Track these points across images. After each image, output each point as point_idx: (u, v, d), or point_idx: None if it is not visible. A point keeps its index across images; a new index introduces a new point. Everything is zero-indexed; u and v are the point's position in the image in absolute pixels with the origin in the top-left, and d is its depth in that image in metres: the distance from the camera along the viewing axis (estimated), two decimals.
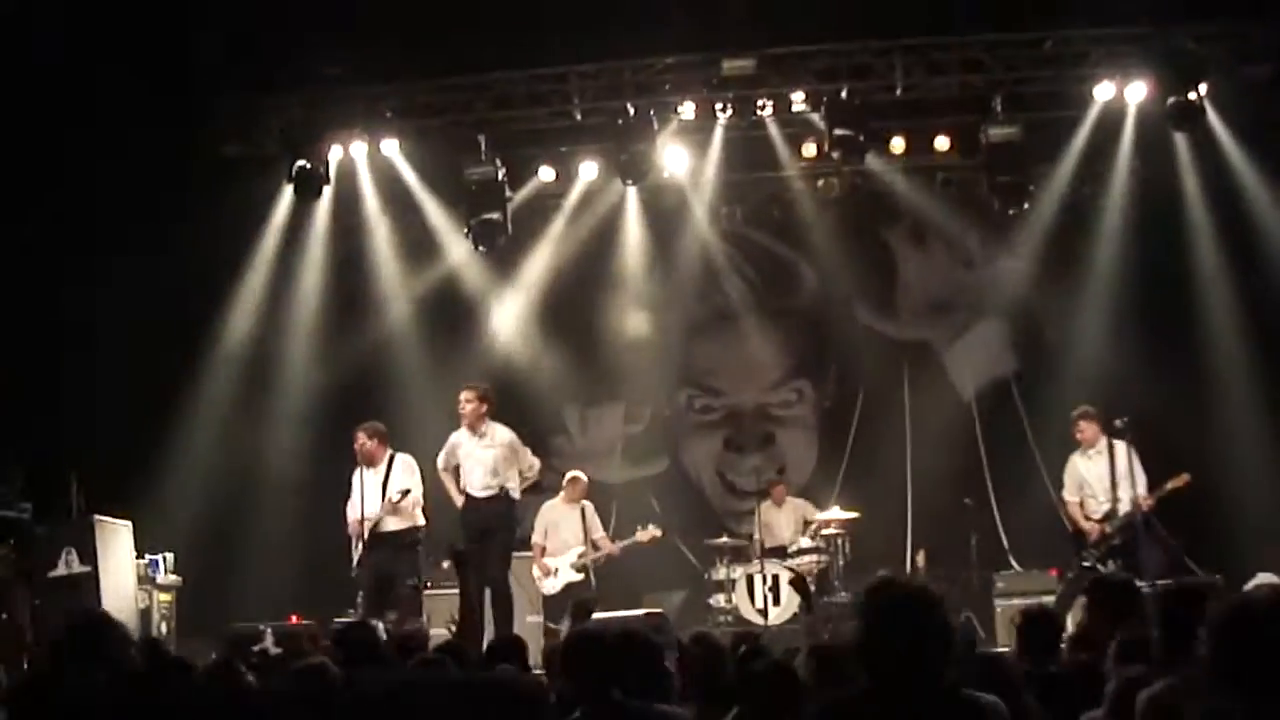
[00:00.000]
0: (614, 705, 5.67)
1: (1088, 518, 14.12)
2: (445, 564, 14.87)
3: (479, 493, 13.95)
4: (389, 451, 13.99)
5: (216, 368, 16.52)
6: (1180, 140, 16.09)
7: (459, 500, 13.98)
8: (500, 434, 14.08)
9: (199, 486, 15.75)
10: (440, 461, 14.02)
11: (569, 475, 15.79)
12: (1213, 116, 15.55)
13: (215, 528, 15.59)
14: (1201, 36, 15.25)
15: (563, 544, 15.40)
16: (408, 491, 13.66)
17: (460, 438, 13.95)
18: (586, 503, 15.67)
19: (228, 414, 16.47)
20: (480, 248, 17.08)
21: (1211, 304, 16.13)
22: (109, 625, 6.16)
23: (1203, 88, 15.13)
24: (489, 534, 13.76)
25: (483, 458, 13.99)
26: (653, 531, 15.52)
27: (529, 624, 14.88)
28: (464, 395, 14.03)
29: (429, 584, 14.89)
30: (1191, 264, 16.25)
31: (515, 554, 14.54)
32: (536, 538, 15.42)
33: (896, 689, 4.13)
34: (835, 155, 16.44)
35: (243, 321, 16.71)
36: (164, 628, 14.25)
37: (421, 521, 14.00)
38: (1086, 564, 13.97)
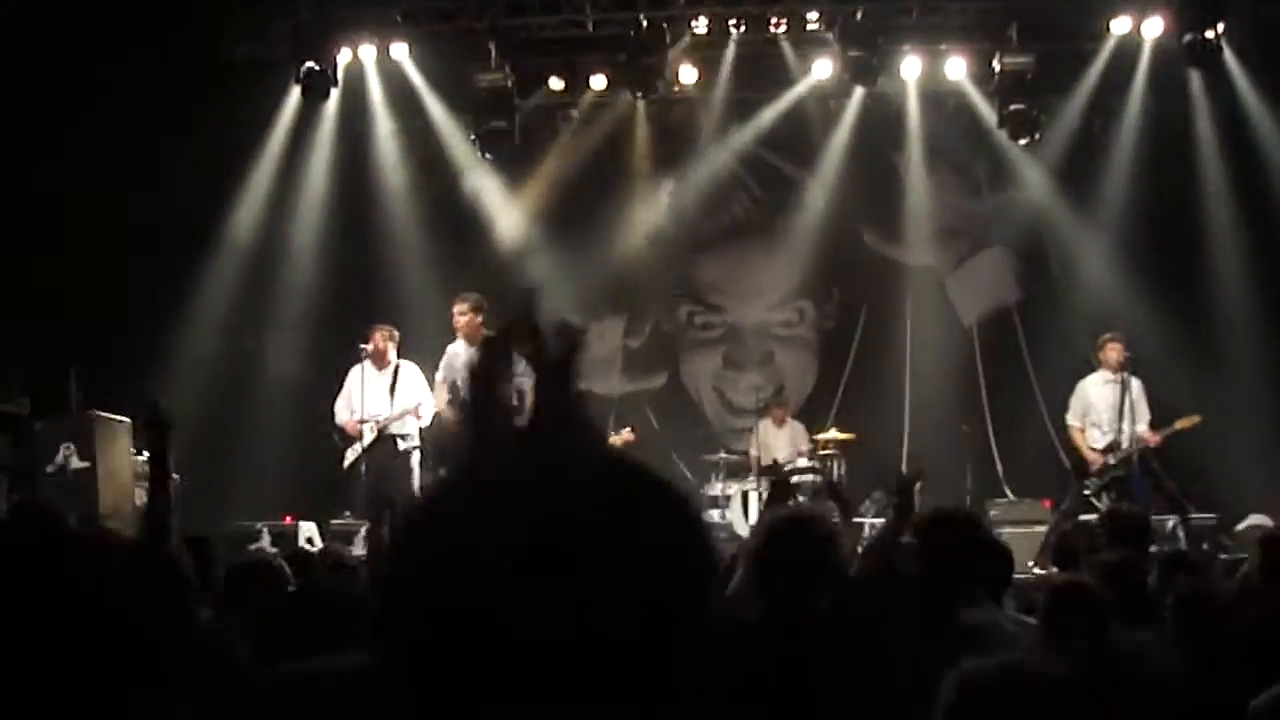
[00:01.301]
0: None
1: (1090, 446, 14.17)
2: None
3: None
4: (397, 358, 14.11)
5: (218, 268, 16.47)
6: (1195, 78, 16.02)
7: (452, 415, 13.79)
8: None
9: (199, 386, 15.74)
10: (439, 374, 13.86)
11: None
12: (1229, 56, 15.50)
13: (214, 427, 15.56)
14: None
15: None
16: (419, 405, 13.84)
17: (459, 348, 13.79)
18: None
19: (228, 314, 16.46)
20: (487, 155, 17.05)
21: (1219, 245, 16.11)
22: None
23: (1220, 26, 15.05)
24: None
25: None
26: (626, 436, 15.53)
27: None
28: (457, 307, 13.66)
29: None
30: (1200, 204, 16.22)
31: None
32: None
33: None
34: (847, 76, 16.43)
35: (246, 224, 16.64)
36: None
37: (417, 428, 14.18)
38: (1086, 492, 14.03)
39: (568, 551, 1.38)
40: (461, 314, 13.65)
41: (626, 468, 1.50)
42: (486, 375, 1.53)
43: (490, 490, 1.45)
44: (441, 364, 13.84)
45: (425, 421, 14.06)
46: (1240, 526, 13.43)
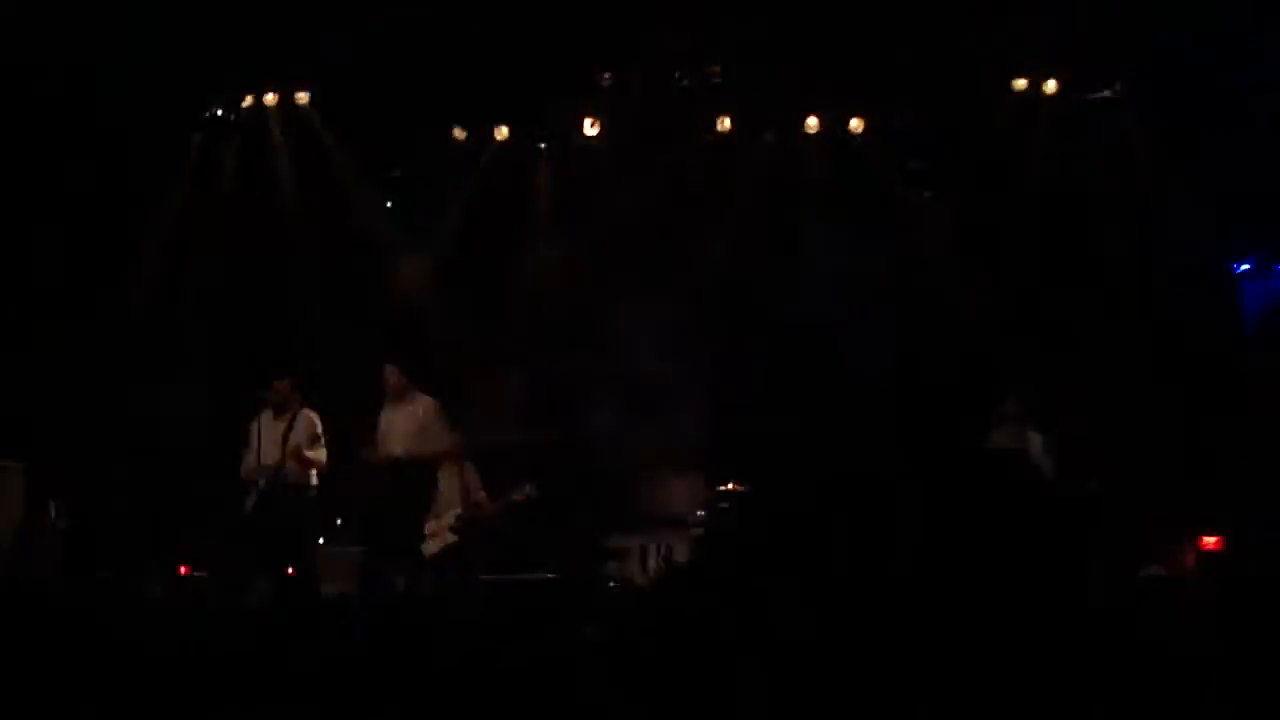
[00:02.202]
0: None
1: None
2: (340, 522, 14.87)
3: None
4: (300, 406, 14.13)
5: (117, 314, 16.30)
6: (1091, 135, 16.31)
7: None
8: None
9: (93, 433, 15.53)
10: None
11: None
12: (1125, 113, 15.82)
13: (106, 474, 15.39)
14: (1118, 33, 15.45)
15: (444, 504, 15.40)
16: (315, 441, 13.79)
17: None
18: (469, 464, 15.69)
19: (126, 362, 16.25)
20: (389, 202, 17.01)
21: (1115, 301, 16.35)
22: None
23: (1116, 85, 15.38)
24: None
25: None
26: (528, 492, 15.52)
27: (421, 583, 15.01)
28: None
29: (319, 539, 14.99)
30: (1096, 259, 16.47)
31: None
32: None
33: None
34: (748, 130, 16.55)
35: (149, 269, 16.48)
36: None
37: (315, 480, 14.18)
38: None
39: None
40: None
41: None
42: None
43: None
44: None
45: (318, 464, 14.12)
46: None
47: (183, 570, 14.42)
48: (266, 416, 14.22)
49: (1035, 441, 14.40)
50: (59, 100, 14.61)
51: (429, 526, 15.34)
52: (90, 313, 15.98)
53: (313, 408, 14.38)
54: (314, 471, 14.21)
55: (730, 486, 15.87)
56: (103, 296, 16.14)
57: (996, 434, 14.62)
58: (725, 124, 16.77)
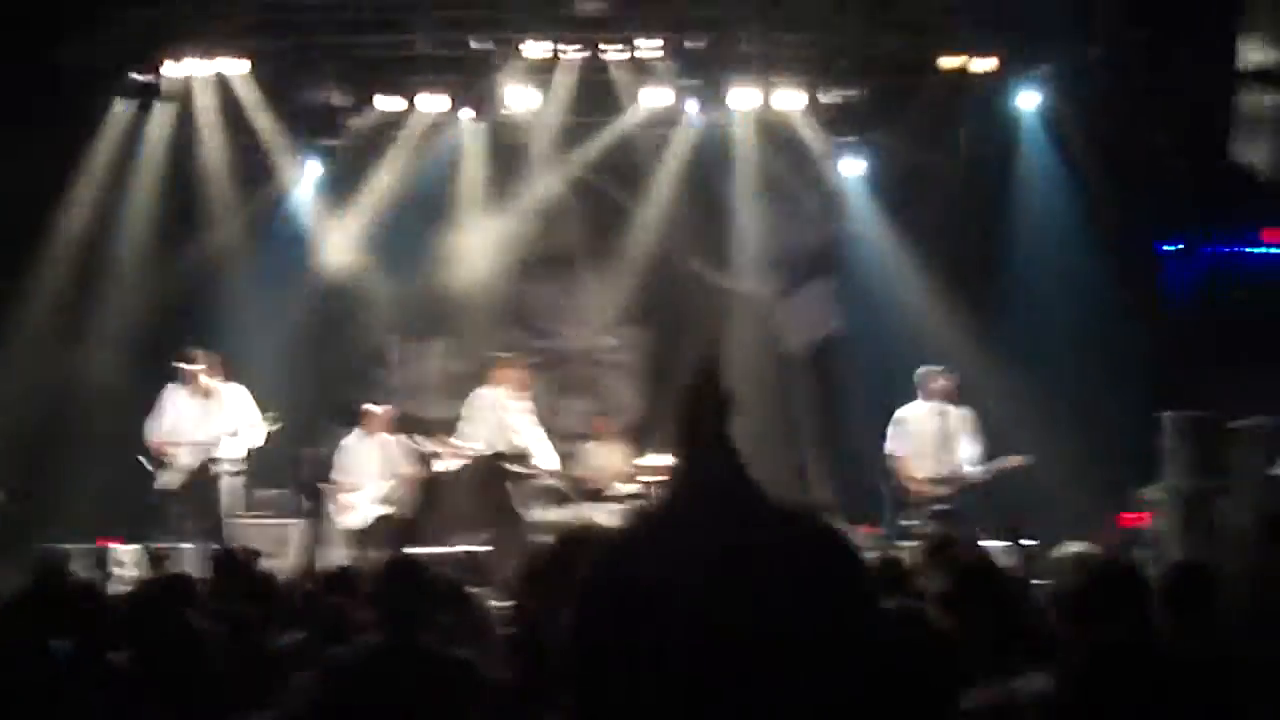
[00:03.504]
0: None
1: (911, 476, 14.42)
2: (270, 493, 14.83)
3: None
4: (223, 381, 14.15)
5: (36, 283, 16.09)
6: (1019, 115, 16.41)
7: None
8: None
9: (14, 405, 15.34)
10: None
11: (362, 407, 15.83)
12: (1053, 94, 15.91)
13: (26, 446, 15.21)
14: (1047, 14, 15.52)
15: (362, 476, 15.36)
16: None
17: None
18: (388, 436, 15.67)
19: (46, 331, 16.05)
20: (316, 174, 16.90)
21: (1040, 280, 16.43)
22: None
23: (1045, 66, 15.47)
24: None
25: None
26: (455, 463, 15.49)
27: (340, 557, 14.96)
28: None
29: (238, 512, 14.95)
30: (1023, 240, 16.56)
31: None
32: (335, 473, 15.41)
33: None
34: (680, 105, 16.54)
35: (71, 234, 16.26)
36: None
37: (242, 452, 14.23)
38: (904, 523, 14.26)
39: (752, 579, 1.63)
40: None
41: (794, 514, 1.78)
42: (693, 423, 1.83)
43: (686, 527, 1.69)
44: None
45: (250, 443, 14.13)
46: (1057, 554, 13.66)
47: (102, 543, 14.23)
48: (181, 390, 14.23)
49: (963, 418, 14.50)
50: None
51: (351, 498, 15.28)
52: (6, 279, 15.77)
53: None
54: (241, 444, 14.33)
55: (653, 462, 15.83)
56: (23, 264, 15.92)
57: (922, 409, 14.70)
58: (658, 97, 16.67)
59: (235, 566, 7.89)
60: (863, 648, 1.67)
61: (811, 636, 1.62)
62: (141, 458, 14.25)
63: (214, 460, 14.23)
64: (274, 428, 14.68)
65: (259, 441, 14.51)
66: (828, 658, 1.62)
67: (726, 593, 1.60)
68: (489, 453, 15.12)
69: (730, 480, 1.82)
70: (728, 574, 1.62)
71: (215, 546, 12.23)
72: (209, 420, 14.21)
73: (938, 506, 14.16)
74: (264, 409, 14.78)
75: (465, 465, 15.14)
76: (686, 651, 1.57)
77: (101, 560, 13.73)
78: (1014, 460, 14.26)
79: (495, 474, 15.10)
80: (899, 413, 14.81)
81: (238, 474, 14.47)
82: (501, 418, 15.34)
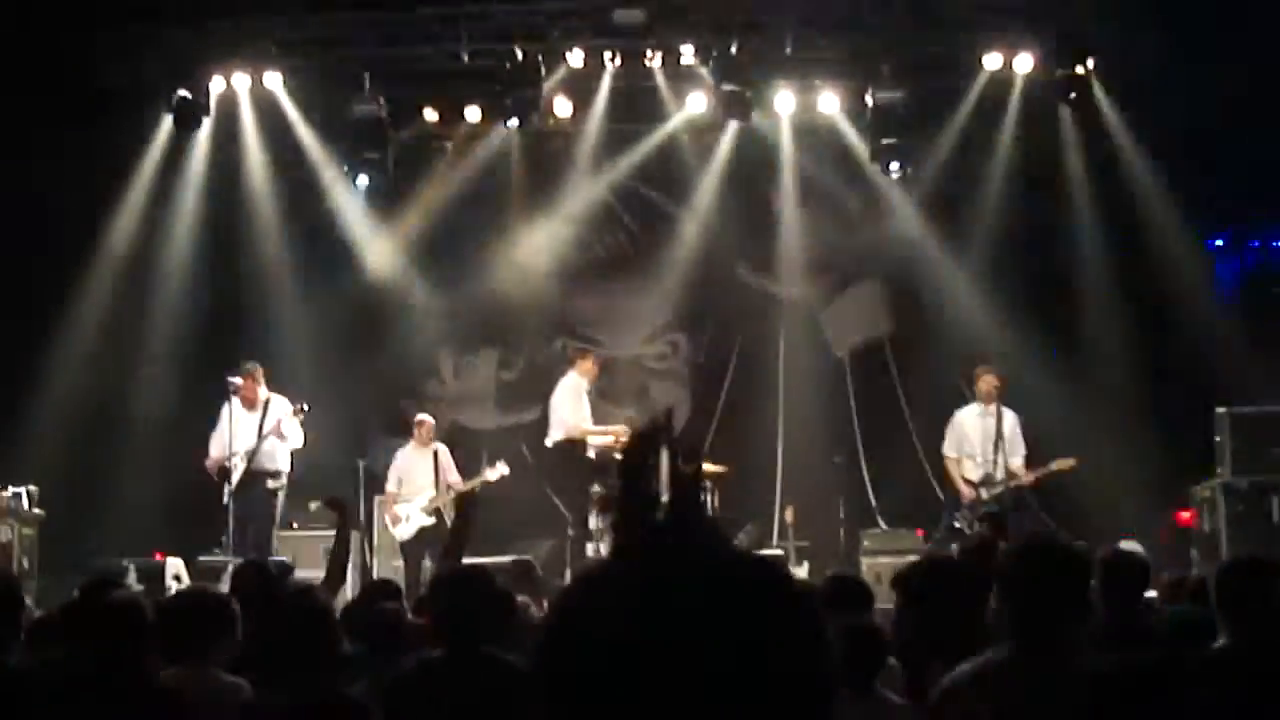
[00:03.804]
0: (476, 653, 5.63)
1: (964, 478, 14.39)
2: (314, 506, 14.86)
3: None
4: (267, 394, 14.29)
5: (87, 298, 16.23)
6: (1065, 113, 16.32)
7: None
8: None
9: (65, 420, 15.48)
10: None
11: (417, 418, 15.90)
12: (1098, 90, 15.83)
13: (80, 462, 15.35)
14: (1090, 10, 15.46)
15: (416, 489, 15.44)
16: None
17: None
18: (439, 445, 15.74)
19: (96, 346, 16.17)
20: (360, 186, 16.98)
21: (1089, 277, 16.37)
22: None
23: (1090, 62, 15.38)
24: None
25: None
26: (500, 470, 15.53)
27: (392, 568, 15.10)
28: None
29: (294, 525, 15.06)
30: (1070, 237, 16.48)
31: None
32: (390, 486, 15.59)
33: None
34: (721, 111, 16.54)
35: (117, 255, 16.41)
36: (24, 562, 14.01)
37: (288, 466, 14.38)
38: (956, 525, 14.23)
39: (702, 647, 1.59)
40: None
41: (756, 569, 1.69)
42: (634, 476, 1.72)
43: (635, 586, 1.65)
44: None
45: (294, 445, 14.33)
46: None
47: (157, 556, 14.31)
48: (238, 406, 14.38)
49: (1007, 419, 14.45)
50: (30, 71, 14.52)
51: (401, 510, 15.35)
52: (59, 296, 15.90)
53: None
54: (289, 451, 14.45)
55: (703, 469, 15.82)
56: (71, 277, 16.05)
57: (974, 411, 14.65)
58: (700, 103, 16.67)
59: (252, 582, 7.84)
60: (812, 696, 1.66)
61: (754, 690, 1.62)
62: (219, 471, 14.37)
63: (263, 473, 14.33)
64: (300, 418, 14.74)
65: (298, 444, 14.62)
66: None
67: (668, 647, 1.60)
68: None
69: (687, 532, 1.71)
70: (669, 628, 1.61)
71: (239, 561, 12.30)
72: (257, 433, 14.36)
73: (986, 508, 14.11)
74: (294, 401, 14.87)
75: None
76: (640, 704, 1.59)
77: (157, 573, 13.80)
78: (1064, 463, 14.19)
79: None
80: (954, 415, 14.78)
81: (280, 488, 14.58)
82: (585, 406, 15.44)
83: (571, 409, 15.52)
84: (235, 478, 14.33)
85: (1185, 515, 14.62)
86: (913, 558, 13.57)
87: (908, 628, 5.61)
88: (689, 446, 1.86)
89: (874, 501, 16.94)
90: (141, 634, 5.68)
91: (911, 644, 5.61)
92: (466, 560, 12.32)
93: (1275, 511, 13.60)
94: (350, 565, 14.15)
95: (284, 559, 14.04)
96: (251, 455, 14.33)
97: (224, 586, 12.34)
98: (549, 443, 15.56)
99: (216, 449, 14.45)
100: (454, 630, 5.69)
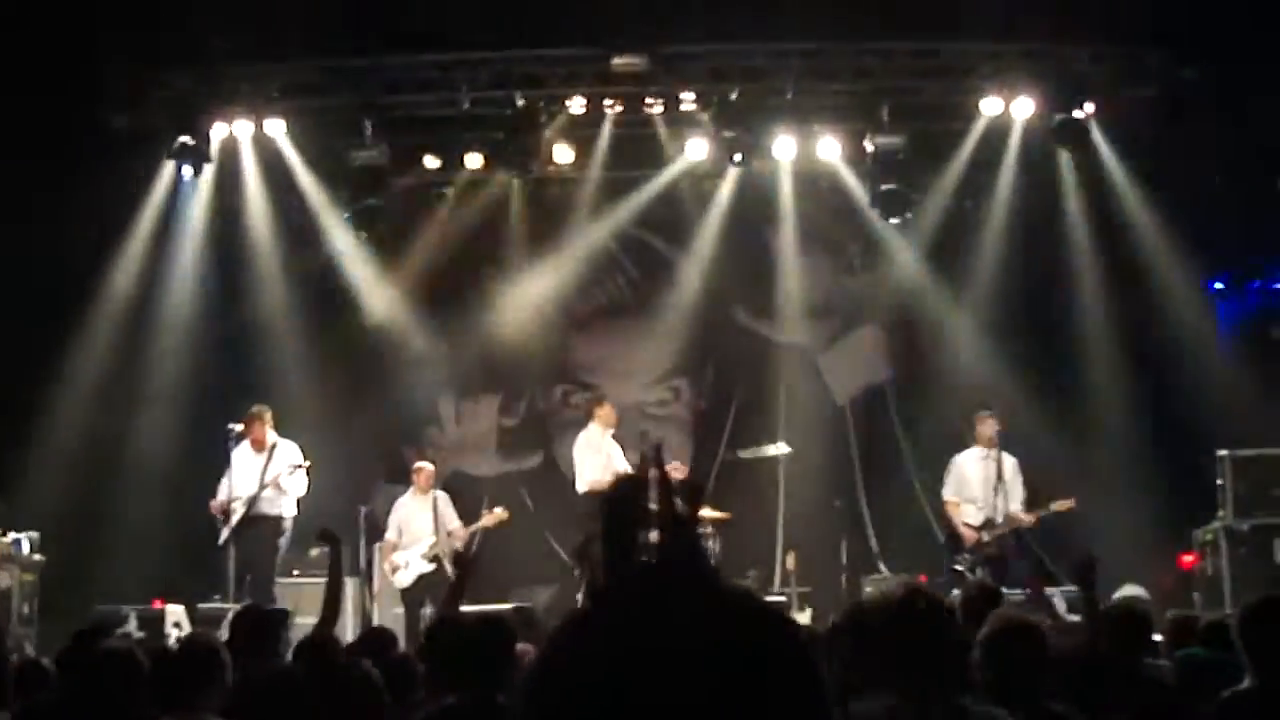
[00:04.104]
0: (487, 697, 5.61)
1: (965, 522, 14.39)
2: (314, 552, 14.83)
3: None
4: (275, 438, 14.32)
5: (88, 343, 16.20)
6: (1064, 158, 16.37)
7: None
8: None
9: (67, 465, 15.45)
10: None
11: (415, 466, 15.92)
12: (1097, 136, 15.88)
13: (82, 508, 15.32)
14: (1090, 55, 15.55)
15: (416, 536, 15.41)
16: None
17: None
18: (439, 493, 15.73)
19: (98, 392, 16.15)
20: (361, 233, 16.99)
21: (1088, 321, 16.39)
22: None
23: (1089, 107, 15.44)
24: None
25: None
26: (499, 515, 15.53)
27: (393, 615, 15.06)
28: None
29: (295, 572, 15.01)
30: (1070, 281, 16.51)
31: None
32: (390, 534, 15.57)
33: None
34: (721, 157, 16.59)
35: (118, 298, 16.39)
36: (26, 608, 13.98)
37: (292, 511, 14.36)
38: (957, 569, 14.23)
39: (690, 691, 1.53)
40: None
41: (750, 612, 1.63)
42: (622, 519, 1.75)
43: (625, 626, 1.60)
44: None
45: (297, 494, 14.30)
46: (1115, 596, 13.58)
47: (156, 604, 14.28)
48: (246, 449, 14.39)
49: (1007, 464, 14.46)
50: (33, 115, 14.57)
51: (400, 559, 15.32)
52: (60, 341, 15.89)
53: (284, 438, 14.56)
54: (294, 499, 14.42)
55: (705, 515, 15.80)
56: (73, 321, 16.05)
57: (973, 455, 14.65)
58: (699, 149, 16.72)
59: (249, 629, 7.84)
60: None
61: None
62: (221, 516, 14.35)
63: (263, 518, 14.31)
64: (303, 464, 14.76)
65: (301, 493, 14.60)
66: None
67: (660, 689, 1.54)
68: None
69: (676, 571, 1.68)
70: (660, 669, 1.55)
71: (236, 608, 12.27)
72: (260, 477, 14.35)
73: (986, 551, 14.11)
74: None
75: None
76: None
77: (156, 622, 13.77)
78: (1063, 503, 14.20)
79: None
80: (954, 459, 14.79)
81: (283, 534, 14.55)
82: (607, 455, 15.39)
83: (592, 463, 15.45)
84: (234, 520, 14.31)
85: (1188, 559, 14.61)
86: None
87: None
88: (692, 484, 1.84)
89: (875, 546, 16.92)
90: (134, 681, 5.69)
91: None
92: (468, 608, 12.33)
93: (1278, 553, 13.59)
94: (350, 610, 14.22)
95: (283, 607, 14.07)
96: (253, 500, 14.31)
97: (224, 633, 12.45)
98: (580, 489, 15.49)
99: (223, 492, 14.44)
100: (469, 677, 5.67)
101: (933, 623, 4.53)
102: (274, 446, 14.45)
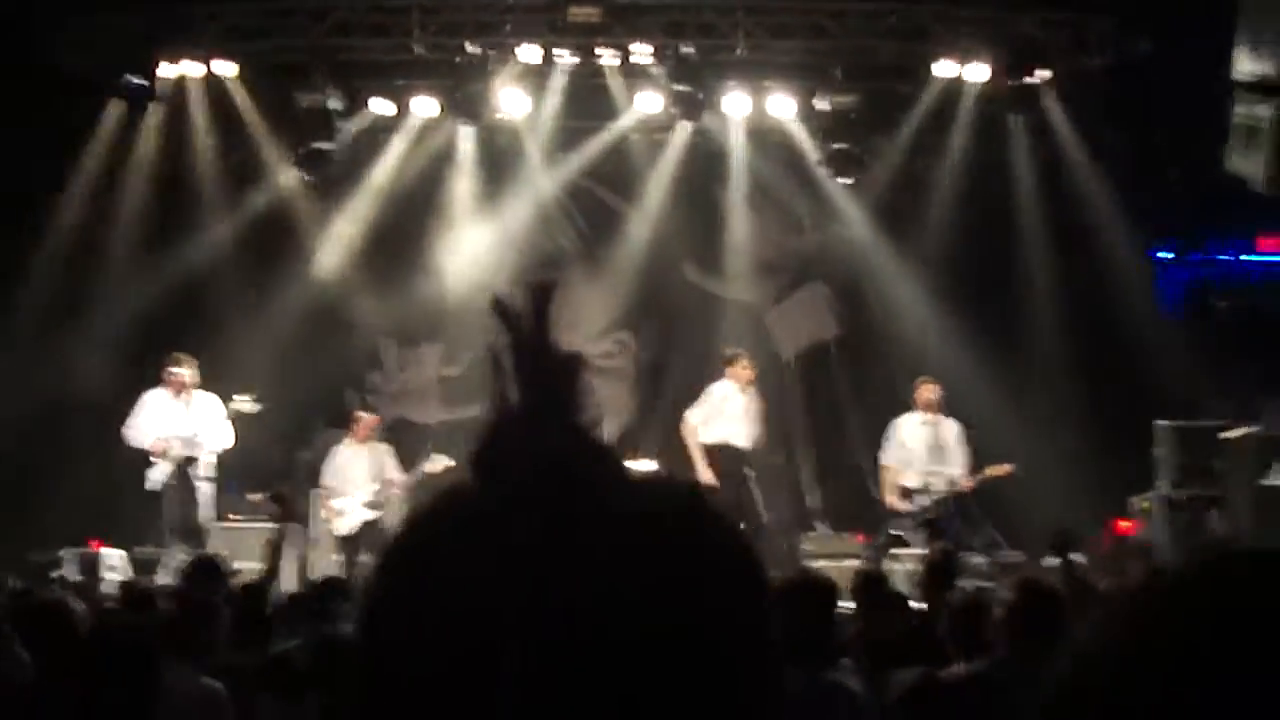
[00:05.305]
0: None
1: (902, 486, 14.44)
2: (254, 497, 14.77)
3: None
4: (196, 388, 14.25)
5: (26, 285, 16.04)
6: (1016, 122, 16.39)
7: None
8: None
9: (4, 409, 15.31)
10: None
11: (354, 415, 15.87)
12: (1049, 102, 15.91)
13: (18, 451, 15.21)
14: (1044, 23, 15.56)
15: (350, 483, 15.34)
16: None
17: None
18: (381, 444, 15.68)
19: (36, 333, 15.99)
20: (308, 177, 16.87)
21: (1035, 285, 16.45)
22: None
23: (1041, 74, 15.46)
24: None
25: None
26: (443, 461, 15.48)
27: (332, 562, 15.03)
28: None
29: (232, 516, 14.97)
30: (1017, 245, 16.55)
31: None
32: (325, 480, 15.43)
33: None
34: (674, 111, 16.54)
35: (58, 237, 16.21)
36: None
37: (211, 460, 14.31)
38: (894, 532, 14.30)
39: (598, 594, 1.15)
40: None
41: (669, 489, 1.26)
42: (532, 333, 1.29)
43: (494, 508, 1.20)
44: None
45: (219, 447, 14.18)
46: (1046, 563, 13.68)
47: (93, 545, 14.22)
48: (165, 394, 14.26)
49: (950, 429, 14.52)
50: None
51: (338, 505, 15.27)
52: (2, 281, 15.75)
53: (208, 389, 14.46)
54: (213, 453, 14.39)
55: (645, 468, 15.80)
56: (12, 260, 15.88)
57: (914, 420, 14.71)
58: (651, 102, 16.65)
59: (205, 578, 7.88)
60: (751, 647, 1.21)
61: (677, 631, 1.16)
62: (153, 459, 14.22)
63: (190, 462, 14.23)
64: (254, 409, 14.67)
65: (226, 445, 14.50)
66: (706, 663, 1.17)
67: (561, 586, 1.14)
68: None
69: (570, 448, 1.22)
70: (562, 563, 1.15)
71: (184, 557, 12.29)
72: (185, 425, 14.23)
73: (925, 515, 14.19)
74: (246, 388, 14.79)
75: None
76: (510, 668, 1.12)
77: (92, 564, 13.71)
78: (1001, 468, 14.28)
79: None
80: (893, 422, 14.83)
81: (209, 479, 14.46)
82: (741, 411, 15.15)
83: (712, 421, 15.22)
84: (167, 465, 14.19)
85: (1124, 524, 14.72)
86: (853, 562, 13.77)
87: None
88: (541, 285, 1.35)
89: (814, 504, 16.99)
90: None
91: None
92: None
93: (1213, 524, 13.71)
94: (288, 556, 14.19)
95: (219, 553, 14.05)
96: (186, 444, 14.25)
97: (162, 577, 12.42)
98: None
99: (140, 434, 14.25)
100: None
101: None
102: (193, 395, 14.34)
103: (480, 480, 1.22)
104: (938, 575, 8.55)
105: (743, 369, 15.05)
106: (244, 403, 14.71)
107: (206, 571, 8.50)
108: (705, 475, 14.36)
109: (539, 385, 1.24)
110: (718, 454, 14.70)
